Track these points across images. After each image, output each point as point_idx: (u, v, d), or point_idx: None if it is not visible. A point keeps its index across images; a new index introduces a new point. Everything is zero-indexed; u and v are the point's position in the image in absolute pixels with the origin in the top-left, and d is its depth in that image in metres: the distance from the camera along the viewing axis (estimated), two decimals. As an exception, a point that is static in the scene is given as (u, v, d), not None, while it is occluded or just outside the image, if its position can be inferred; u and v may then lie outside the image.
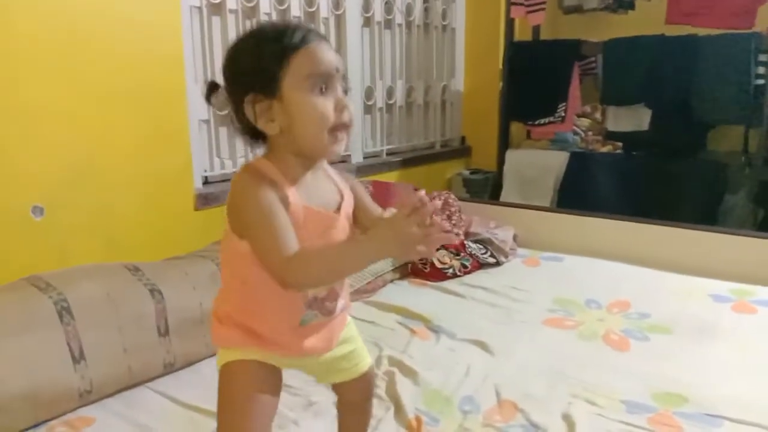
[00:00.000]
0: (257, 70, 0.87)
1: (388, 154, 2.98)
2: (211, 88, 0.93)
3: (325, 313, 0.98)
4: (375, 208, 1.04)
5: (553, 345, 1.69)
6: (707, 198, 2.67)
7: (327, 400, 1.39)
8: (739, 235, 2.28)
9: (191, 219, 2.00)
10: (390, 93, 2.97)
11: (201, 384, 1.46)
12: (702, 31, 2.66)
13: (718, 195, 2.67)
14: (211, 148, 2.17)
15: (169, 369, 1.49)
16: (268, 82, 0.87)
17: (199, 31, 2.09)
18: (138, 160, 1.85)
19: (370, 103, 2.85)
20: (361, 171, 2.73)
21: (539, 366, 1.57)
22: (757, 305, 1.88)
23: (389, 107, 2.99)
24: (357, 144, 2.77)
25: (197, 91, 2.06)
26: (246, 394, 0.94)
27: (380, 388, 1.46)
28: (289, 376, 1.49)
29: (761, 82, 2.53)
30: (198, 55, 2.09)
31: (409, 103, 3.12)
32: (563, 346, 1.69)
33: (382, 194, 2.41)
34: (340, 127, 0.90)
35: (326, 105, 0.88)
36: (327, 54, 0.89)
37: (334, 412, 1.34)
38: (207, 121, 2.14)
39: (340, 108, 0.89)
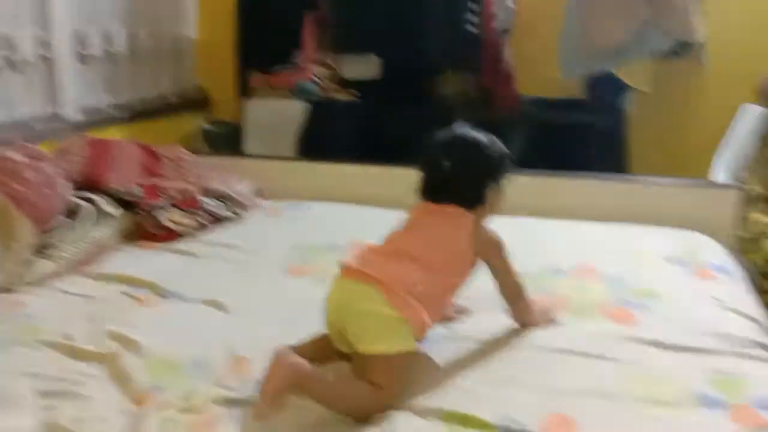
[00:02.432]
0: (502, 172, 1.36)
1: (112, 108, 2.70)
2: None
3: None
4: None
5: (291, 294, 1.68)
6: (434, 139, 2.86)
7: (24, 391, 1.22)
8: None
9: None
10: (108, 39, 2.68)
11: None
12: (421, -20, 2.79)
13: (442, 136, 2.87)
14: None
15: None
16: (500, 182, 1.36)
17: None
18: None
19: (84, 51, 2.54)
20: (79, 128, 2.44)
21: (276, 317, 1.54)
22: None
23: (109, 56, 2.70)
24: (71, 98, 2.46)
25: None
26: (409, 379, 1.22)
27: (101, 369, 1.32)
28: None
29: (472, 29, 2.74)
30: None
31: (133, 51, 2.85)
32: (301, 293, 1.68)
33: (102, 153, 2.18)
34: None
35: None
36: None
37: (34, 402, 1.19)
38: None
39: None
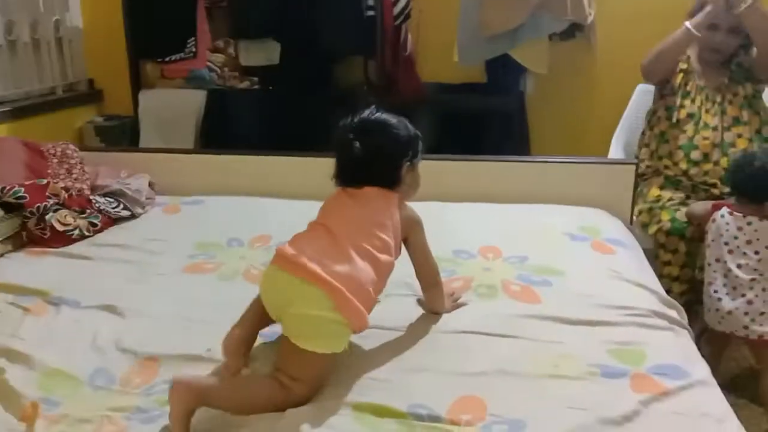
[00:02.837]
0: (415, 152, 1.38)
1: (-9, 104, 2.50)
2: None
3: None
4: None
5: (192, 292, 1.61)
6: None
7: None
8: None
9: None
10: (-19, 30, 2.48)
11: None
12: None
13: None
14: None
15: None
16: (415, 159, 1.38)
17: None
18: None
19: (-48, 42, 2.33)
20: (-47, 127, 2.25)
21: (176, 317, 1.47)
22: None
23: (-17, 47, 2.50)
24: (-60, 94, 2.26)
25: None
26: (326, 374, 1.22)
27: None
28: None
29: (371, 13, 2.71)
30: None
31: (11, 42, 2.65)
32: (203, 291, 1.62)
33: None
34: None
35: None
36: None
37: None
38: None
39: None
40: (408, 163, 1.36)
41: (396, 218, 1.33)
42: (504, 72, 2.96)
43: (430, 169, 1.52)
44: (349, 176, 1.35)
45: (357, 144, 1.31)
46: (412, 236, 1.39)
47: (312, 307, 1.18)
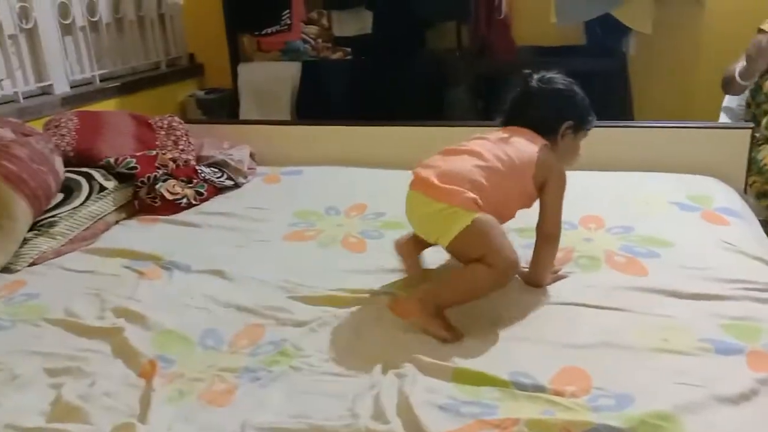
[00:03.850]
0: (581, 120, 1.43)
1: (102, 80, 2.64)
2: None
3: None
4: None
5: (293, 259, 1.65)
6: (432, 95, 2.80)
7: (31, 370, 1.20)
8: (460, 126, 2.42)
9: None
10: (92, 9, 2.60)
11: None
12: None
13: (440, 91, 2.81)
14: None
15: None
16: (580, 125, 1.43)
17: None
18: None
19: (67, 21, 2.46)
20: (69, 102, 2.39)
21: (279, 282, 1.52)
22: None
23: (94, 25, 2.63)
24: (58, 71, 2.40)
25: None
26: (497, 224, 1.29)
27: (107, 345, 1.30)
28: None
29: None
30: None
31: (118, 20, 2.77)
32: (303, 257, 1.66)
33: (93, 126, 2.14)
34: None
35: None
36: None
37: (41, 380, 1.18)
38: None
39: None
40: (570, 123, 1.41)
41: (529, 150, 1.36)
42: (604, 33, 2.82)
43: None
44: (512, 113, 1.45)
45: (534, 82, 1.42)
46: (548, 184, 1.39)
47: (419, 209, 1.35)
